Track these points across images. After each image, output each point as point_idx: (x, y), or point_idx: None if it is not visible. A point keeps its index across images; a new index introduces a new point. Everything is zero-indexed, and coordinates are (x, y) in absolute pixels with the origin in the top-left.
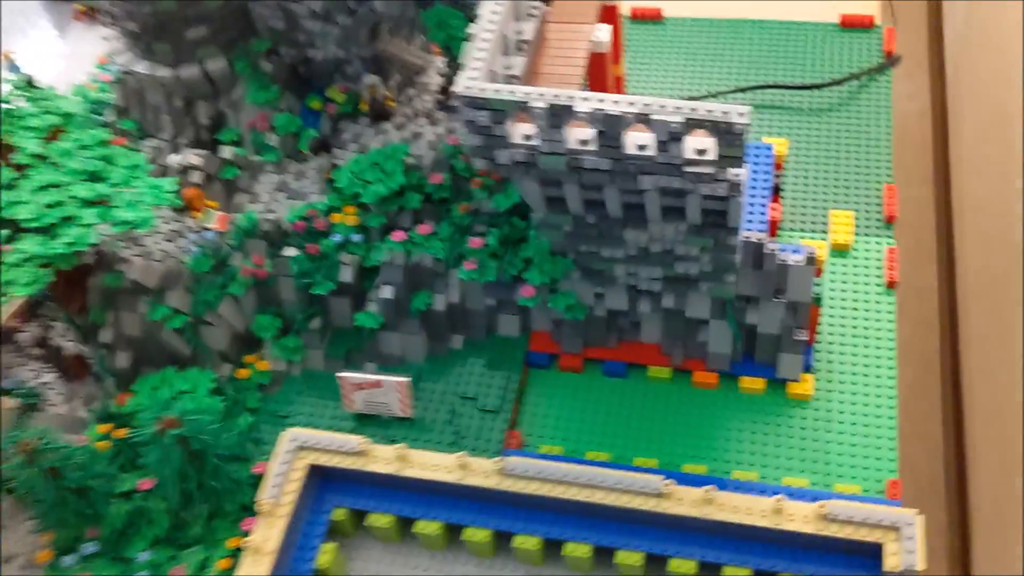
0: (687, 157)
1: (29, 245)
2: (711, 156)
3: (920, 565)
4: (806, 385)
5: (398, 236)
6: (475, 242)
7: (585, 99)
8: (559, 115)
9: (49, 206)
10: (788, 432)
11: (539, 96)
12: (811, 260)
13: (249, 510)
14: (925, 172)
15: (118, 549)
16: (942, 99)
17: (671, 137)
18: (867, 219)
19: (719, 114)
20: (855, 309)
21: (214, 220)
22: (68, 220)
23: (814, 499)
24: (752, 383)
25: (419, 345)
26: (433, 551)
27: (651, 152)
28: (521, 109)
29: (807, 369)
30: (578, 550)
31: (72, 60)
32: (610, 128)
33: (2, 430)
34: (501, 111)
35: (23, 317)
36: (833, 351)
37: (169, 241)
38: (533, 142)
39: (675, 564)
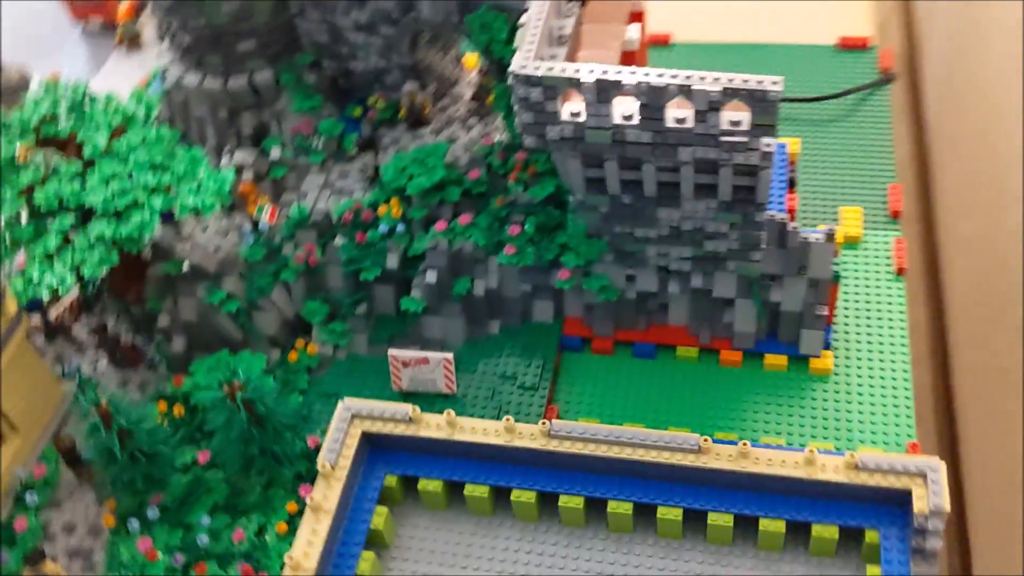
0: (723, 128)
1: (100, 228)
2: (745, 126)
3: (946, 507)
4: (827, 360)
5: (440, 226)
6: (514, 229)
7: (632, 73)
8: (606, 90)
9: (118, 194)
10: (812, 403)
11: (589, 72)
12: (831, 238)
13: (303, 479)
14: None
15: (179, 516)
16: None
17: (710, 107)
18: (874, 214)
19: (754, 83)
20: (868, 294)
21: (266, 213)
22: (136, 206)
23: None
24: (776, 360)
25: (459, 329)
26: (479, 516)
27: (689, 124)
28: (571, 85)
29: (827, 346)
30: (620, 507)
31: (112, 86)
32: (653, 100)
33: (61, 411)
34: (552, 88)
35: (77, 311)
36: (850, 331)
37: (222, 235)
38: (580, 118)
39: (713, 518)
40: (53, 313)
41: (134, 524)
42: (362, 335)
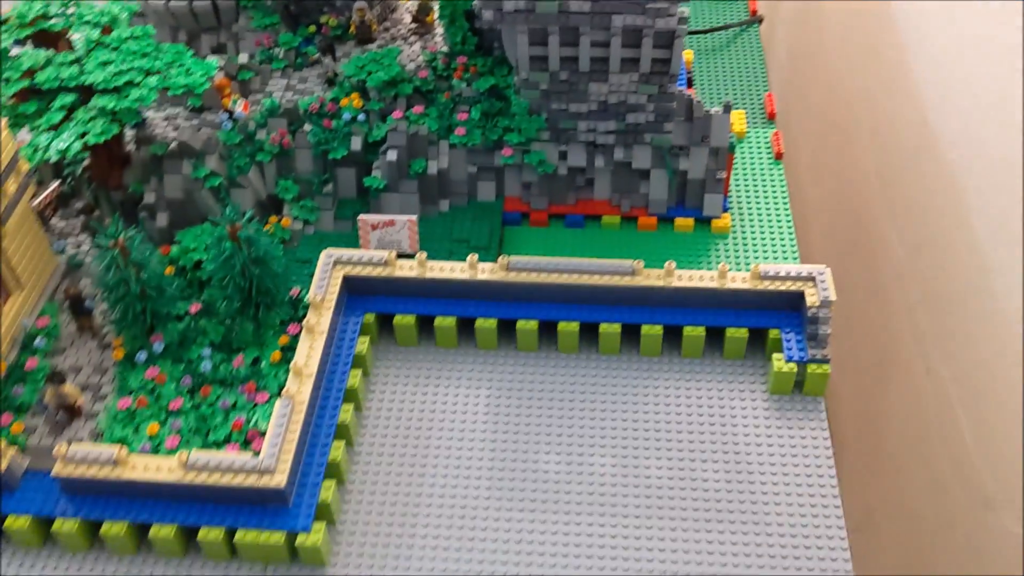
0: None
1: (103, 101)
2: None
3: (833, 297)
4: (725, 221)
5: (397, 115)
6: (462, 116)
7: None
8: None
9: (115, 74)
10: (715, 257)
11: None
12: (728, 109)
13: (287, 323)
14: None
15: (179, 354)
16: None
17: None
18: (754, 116)
19: None
20: (755, 174)
21: (240, 105)
22: (132, 84)
23: None
24: (684, 222)
25: (414, 205)
26: (446, 348)
27: None
28: None
29: (725, 209)
30: (568, 327)
31: None
32: None
33: (57, 275)
34: None
35: (56, 204)
36: (742, 201)
37: (199, 126)
38: None
39: (645, 330)
40: (34, 204)
41: (141, 356)
42: (328, 212)
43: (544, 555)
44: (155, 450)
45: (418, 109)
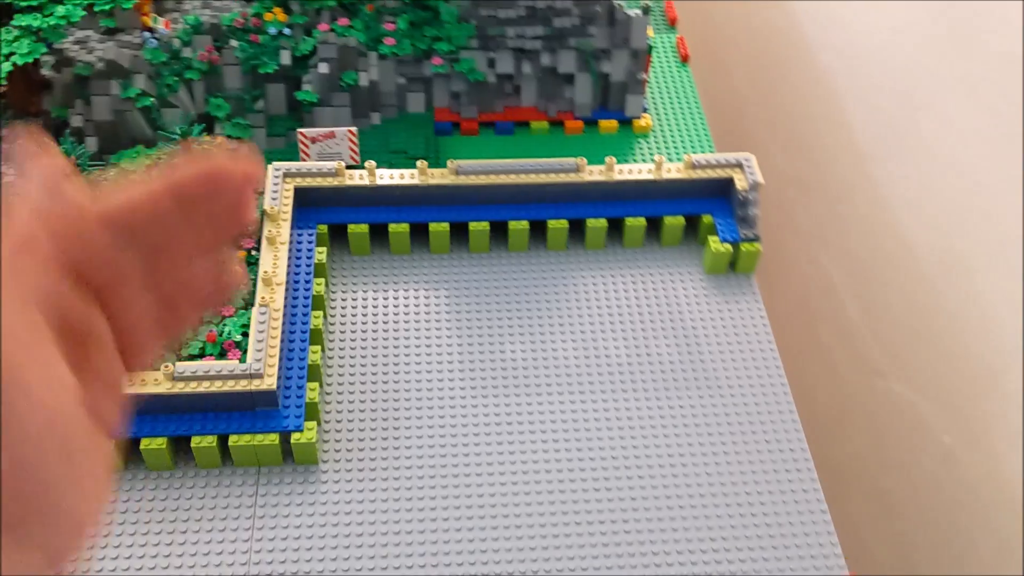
0: None
1: (27, 20)
2: None
3: (760, 179)
4: (646, 120)
5: (323, 27)
6: (389, 26)
7: None
8: None
9: None
10: (640, 155)
11: None
12: (646, 11)
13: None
14: None
15: None
16: None
17: None
18: (656, 22)
19: None
20: (665, 77)
21: (161, 23)
22: (55, 1)
23: None
24: (608, 124)
25: (347, 119)
26: (400, 255)
27: None
28: None
29: (644, 110)
30: (518, 226)
31: None
32: None
33: None
34: None
35: None
36: (658, 101)
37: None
38: None
39: (590, 223)
40: None
41: None
42: (260, 130)
43: (516, 433)
44: None
45: (343, 21)
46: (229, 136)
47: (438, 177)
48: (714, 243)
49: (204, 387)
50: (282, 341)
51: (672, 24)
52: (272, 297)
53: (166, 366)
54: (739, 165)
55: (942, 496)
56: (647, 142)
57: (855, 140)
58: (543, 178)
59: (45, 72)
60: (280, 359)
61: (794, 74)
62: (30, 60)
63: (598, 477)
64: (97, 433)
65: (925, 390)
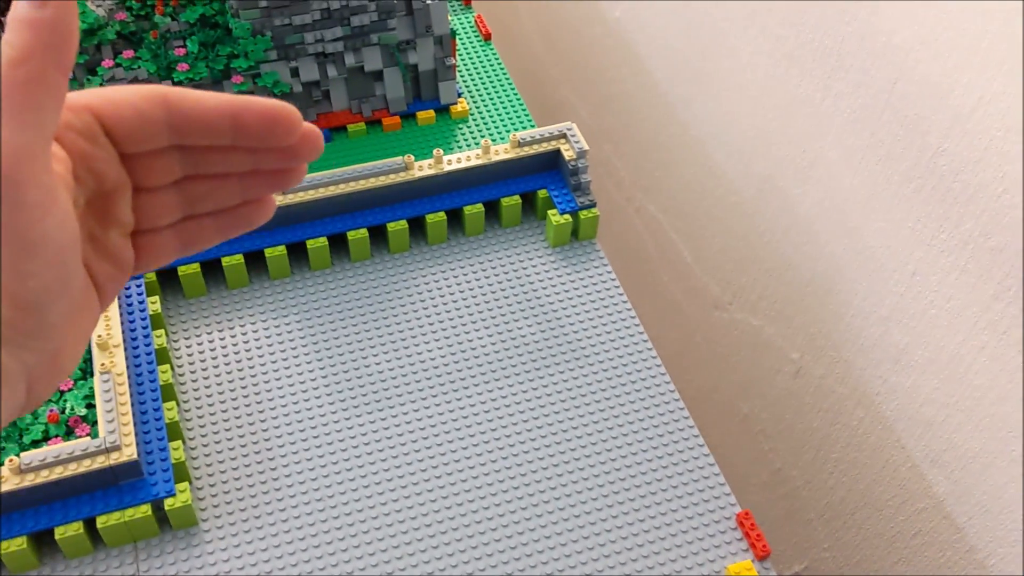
0: None
1: None
2: None
3: (586, 146)
4: (463, 105)
5: (107, 64)
6: (179, 51)
7: None
8: None
9: None
10: (464, 142)
11: None
12: None
13: None
14: None
15: None
16: None
17: None
18: (452, 4)
19: None
20: (471, 56)
21: None
22: None
23: None
24: (426, 115)
25: None
26: (239, 288)
27: None
28: None
29: (459, 94)
30: (357, 235)
31: None
32: None
33: None
34: None
35: None
36: (468, 84)
37: None
38: None
39: (429, 219)
40: None
41: None
42: None
43: (397, 445)
44: None
45: (128, 54)
46: None
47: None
48: (554, 216)
49: (58, 472)
50: (133, 406)
51: (467, 3)
52: (112, 362)
53: (10, 460)
54: (563, 136)
55: (801, 407)
56: (468, 127)
57: (657, 87)
58: (373, 182)
59: None
60: (135, 425)
61: (586, 31)
62: None
63: (488, 471)
64: (91, 288)
65: (766, 313)
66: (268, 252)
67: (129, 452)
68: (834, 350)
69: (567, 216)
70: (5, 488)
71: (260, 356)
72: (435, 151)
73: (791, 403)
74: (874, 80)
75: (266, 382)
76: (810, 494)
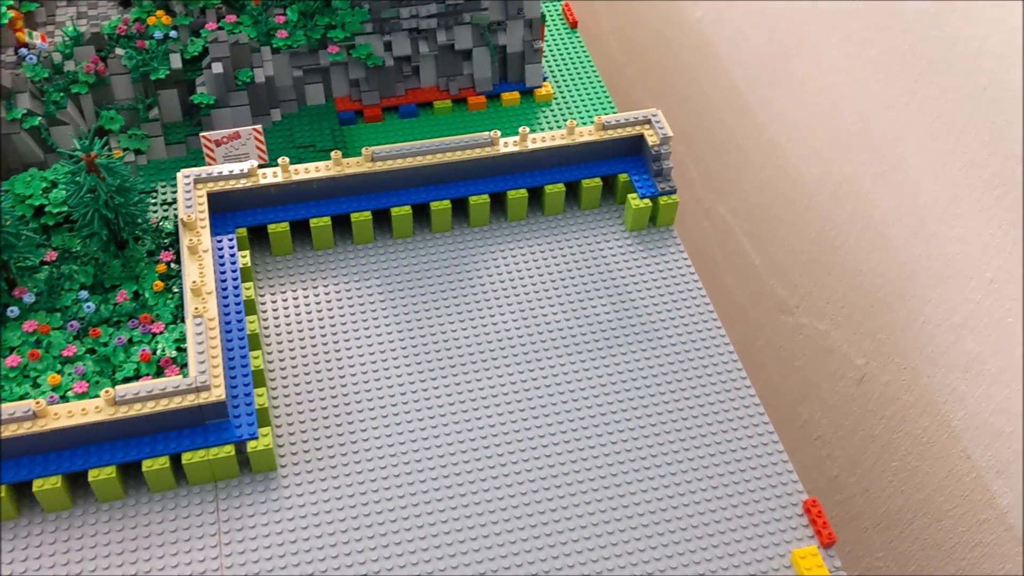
0: None
1: None
2: None
3: (670, 133)
4: (547, 89)
5: (211, 27)
6: (279, 19)
7: None
8: None
9: None
10: (546, 124)
11: None
12: None
13: (154, 255)
14: None
15: (50, 303)
16: None
17: None
18: None
19: None
20: (558, 44)
21: (37, 36)
22: None
23: None
24: (510, 97)
25: (247, 117)
26: (322, 250)
27: None
28: None
29: (544, 78)
30: (440, 206)
31: None
32: None
33: None
34: None
35: None
36: (554, 69)
37: None
38: None
39: (510, 195)
40: None
41: (13, 311)
42: (158, 139)
43: (470, 411)
44: (64, 399)
45: (231, 18)
46: (126, 149)
47: (354, 166)
48: (634, 200)
49: (150, 407)
50: (222, 350)
51: None
52: (205, 307)
53: (106, 391)
54: (647, 121)
55: (863, 414)
56: (550, 110)
57: (736, 89)
58: (460, 155)
59: None
60: (225, 369)
61: (665, 31)
62: None
63: (556, 443)
64: None
65: (833, 318)
66: (354, 217)
67: (218, 393)
68: (901, 357)
69: (647, 201)
70: (98, 419)
71: (341, 315)
72: (521, 129)
73: (852, 409)
74: (963, 85)
75: (345, 340)
76: (866, 502)
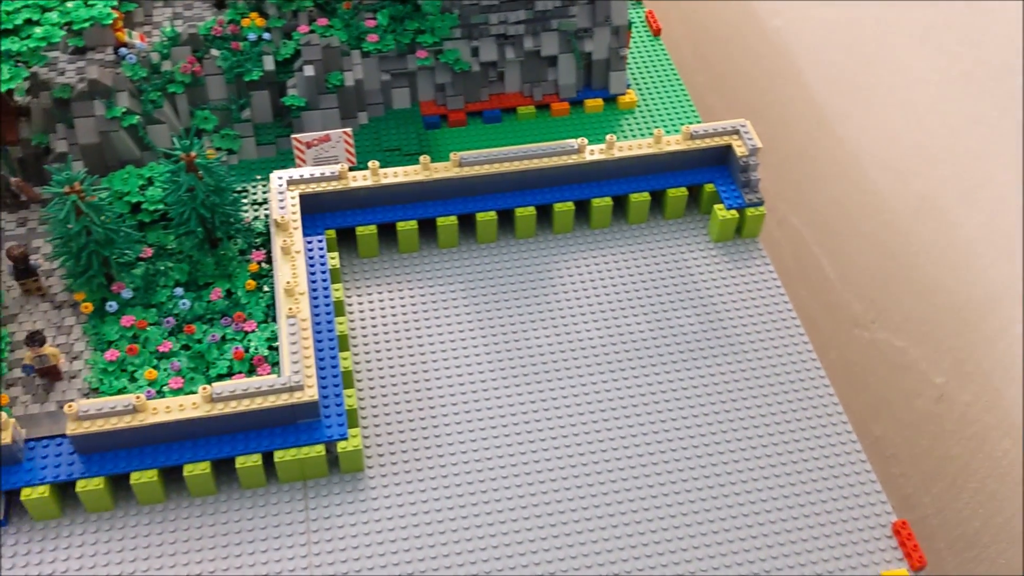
0: None
1: (5, 44)
2: None
3: (759, 144)
4: (631, 96)
5: (303, 29)
6: (369, 23)
7: None
8: None
9: (9, 13)
10: (630, 132)
11: None
12: None
13: (246, 252)
14: None
15: (147, 299)
16: None
17: None
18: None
19: None
20: (641, 51)
21: (136, 36)
22: (31, 23)
23: None
24: (594, 103)
25: (336, 120)
26: (408, 253)
27: None
28: None
29: (628, 85)
30: (524, 212)
31: None
32: None
33: None
34: None
35: None
36: (638, 77)
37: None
38: None
39: (595, 203)
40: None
41: (112, 306)
42: (249, 140)
43: (554, 418)
44: (160, 394)
45: (322, 21)
46: (218, 148)
47: (442, 171)
48: (720, 211)
49: (245, 405)
50: (314, 351)
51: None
52: (298, 307)
53: (203, 388)
54: (736, 132)
55: (940, 434)
56: (634, 118)
57: (813, 100)
58: (547, 162)
59: (19, 98)
60: (317, 369)
61: (740, 39)
62: (12, 86)
63: (637, 454)
64: None
65: (911, 335)
66: (440, 221)
67: (311, 393)
68: (984, 377)
69: (733, 212)
70: (195, 415)
71: (426, 318)
72: (608, 136)
73: (929, 428)
74: None
75: (431, 343)
76: (940, 523)
